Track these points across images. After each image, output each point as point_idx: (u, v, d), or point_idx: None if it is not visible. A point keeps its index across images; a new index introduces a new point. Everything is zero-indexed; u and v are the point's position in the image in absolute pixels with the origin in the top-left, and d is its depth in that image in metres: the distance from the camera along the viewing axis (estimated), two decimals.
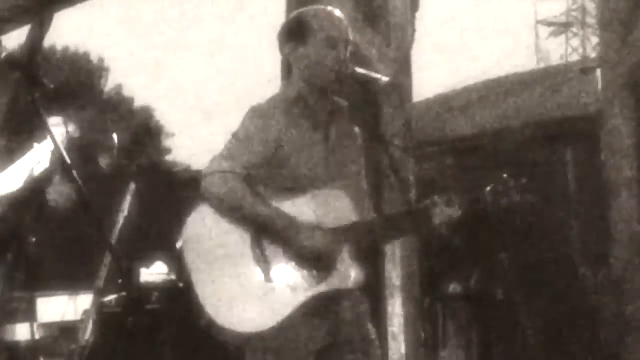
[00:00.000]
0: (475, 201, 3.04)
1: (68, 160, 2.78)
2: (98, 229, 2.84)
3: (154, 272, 6.24)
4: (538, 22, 24.06)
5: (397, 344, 5.64)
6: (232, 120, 3.11)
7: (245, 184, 2.95)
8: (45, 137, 3.89)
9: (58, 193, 4.66)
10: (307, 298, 2.91)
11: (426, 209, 3.01)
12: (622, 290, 5.29)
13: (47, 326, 6.40)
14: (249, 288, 2.90)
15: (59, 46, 23.39)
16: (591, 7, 21.47)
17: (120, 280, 2.81)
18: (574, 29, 23.39)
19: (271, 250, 2.93)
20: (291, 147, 3.03)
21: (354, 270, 3.01)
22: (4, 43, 2.96)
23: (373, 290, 3.32)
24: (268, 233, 2.94)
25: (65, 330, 6.09)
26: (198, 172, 3.12)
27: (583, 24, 22.91)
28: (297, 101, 3.09)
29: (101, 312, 5.54)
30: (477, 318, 7.53)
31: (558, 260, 7.78)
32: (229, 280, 2.90)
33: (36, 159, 4.06)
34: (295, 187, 3.01)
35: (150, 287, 6.10)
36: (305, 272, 2.92)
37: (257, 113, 3.05)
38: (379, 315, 5.20)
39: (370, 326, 3.12)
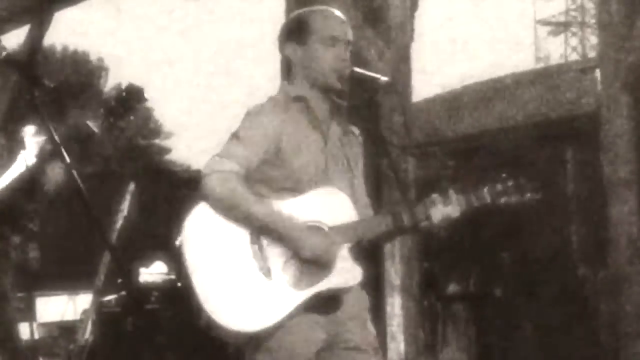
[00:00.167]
0: (475, 201, 3.04)
1: (67, 160, 2.78)
2: (97, 228, 2.84)
3: (154, 272, 6.24)
4: (537, 21, 24.08)
5: (397, 344, 5.64)
6: (232, 120, 3.12)
7: (244, 184, 2.94)
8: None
9: (51, 178, 4.70)
10: (307, 297, 2.91)
11: (425, 208, 3.01)
12: (621, 291, 5.29)
13: (46, 326, 6.41)
14: (248, 287, 2.90)
15: (58, 46, 23.39)
16: (590, 6, 21.49)
17: (119, 280, 2.81)
18: (574, 29, 23.41)
19: (271, 248, 2.93)
20: (291, 146, 3.02)
21: (354, 269, 3.01)
22: (3, 43, 2.96)
23: (372, 290, 3.31)
24: (267, 233, 2.94)
25: (65, 330, 6.10)
26: (197, 172, 3.13)
27: (582, 24, 22.93)
28: (297, 101, 3.09)
29: (101, 312, 5.54)
30: (476, 318, 7.54)
31: (557, 260, 7.79)
32: (229, 280, 2.90)
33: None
34: (294, 187, 3.00)
35: (149, 287, 6.11)
36: (305, 270, 2.92)
37: (256, 113, 3.05)
38: (378, 315, 5.21)
39: (370, 325, 3.12)
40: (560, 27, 23.67)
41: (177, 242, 2.97)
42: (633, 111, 5.31)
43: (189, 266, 2.93)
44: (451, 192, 3.01)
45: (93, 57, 24.48)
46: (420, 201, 3.03)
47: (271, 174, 3.01)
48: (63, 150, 2.77)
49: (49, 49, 21.67)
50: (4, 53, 2.93)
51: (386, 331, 5.59)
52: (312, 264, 2.92)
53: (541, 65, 19.74)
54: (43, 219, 5.05)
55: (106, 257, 5.26)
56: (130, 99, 4.73)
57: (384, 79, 3.15)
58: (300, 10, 3.18)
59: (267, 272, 2.91)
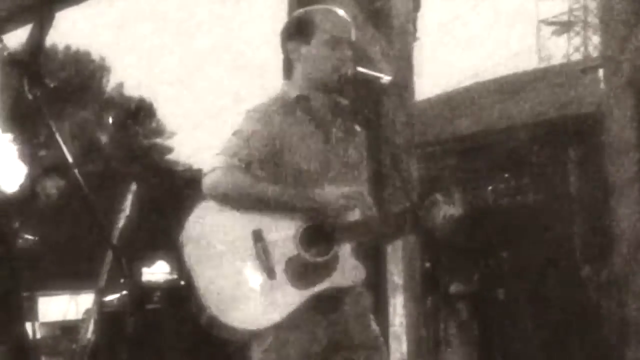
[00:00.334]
0: (477, 200, 3.04)
1: (70, 160, 2.77)
2: (100, 228, 2.84)
3: (156, 272, 6.25)
4: (540, 21, 24.03)
5: (399, 344, 5.64)
6: (233, 120, 3.11)
7: (246, 173, 2.94)
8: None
9: (48, 189, 4.69)
10: (310, 295, 2.90)
11: (427, 208, 3.00)
12: (624, 290, 5.28)
13: (48, 326, 6.41)
14: (251, 286, 2.90)
15: (60, 45, 23.39)
16: (593, 6, 21.45)
17: (122, 280, 2.81)
18: (576, 29, 23.37)
19: (273, 247, 2.93)
20: (292, 145, 3.02)
21: (356, 268, 3.01)
22: (5, 42, 2.96)
23: (375, 289, 3.31)
24: (282, 208, 2.93)
25: (67, 329, 6.10)
26: (199, 171, 3.12)
27: (585, 24, 22.89)
28: (299, 100, 3.08)
29: (103, 312, 5.54)
30: (479, 317, 7.53)
31: (560, 260, 7.78)
32: (231, 278, 2.90)
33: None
34: (296, 186, 3.00)
35: (152, 287, 6.11)
36: (307, 270, 2.92)
37: (258, 112, 3.05)
38: (380, 314, 5.20)
39: (373, 323, 3.12)
40: (563, 26, 23.62)
41: (179, 242, 2.97)
42: (635, 111, 5.30)
43: (191, 265, 2.93)
44: (453, 192, 3.01)
45: (95, 56, 24.50)
46: (423, 201, 3.03)
47: (273, 172, 3.01)
48: (65, 150, 2.77)
49: (51, 49, 21.68)
50: (6, 52, 2.92)
51: (389, 331, 5.58)
52: (314, 265, 2.92)
53: (544, 64, 19.73)
54: (44, 220, 5.05)
55: (108, 257, 5.26)
56: (140, 115, 4.74)
57: (386, 78, 3.15)
58: (303, 10, 3.18)
59: (270, 271, 2.90)
